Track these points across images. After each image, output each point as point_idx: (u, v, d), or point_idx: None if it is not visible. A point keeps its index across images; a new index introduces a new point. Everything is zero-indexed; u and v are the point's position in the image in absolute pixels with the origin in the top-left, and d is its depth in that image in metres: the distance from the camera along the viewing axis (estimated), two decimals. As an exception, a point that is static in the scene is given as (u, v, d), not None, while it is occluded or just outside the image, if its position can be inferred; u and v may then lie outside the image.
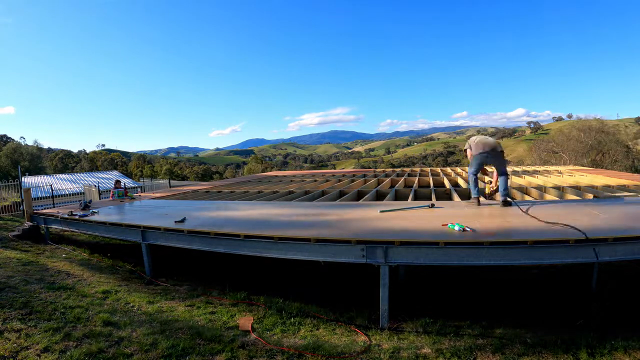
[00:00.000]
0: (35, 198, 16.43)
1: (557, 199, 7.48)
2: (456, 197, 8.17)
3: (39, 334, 3.63)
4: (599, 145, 32.20)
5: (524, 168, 17.48)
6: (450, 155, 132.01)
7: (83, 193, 19.63)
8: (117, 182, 11.40)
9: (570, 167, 20.28)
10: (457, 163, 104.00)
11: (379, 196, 9.32)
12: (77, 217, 7.46)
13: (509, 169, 17.23)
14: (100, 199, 14.57)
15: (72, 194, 21.62)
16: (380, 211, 6.29)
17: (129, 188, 20.45)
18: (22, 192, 10.03)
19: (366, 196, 8.90)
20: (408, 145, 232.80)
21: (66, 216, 7.68)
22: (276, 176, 18.55)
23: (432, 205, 6.54)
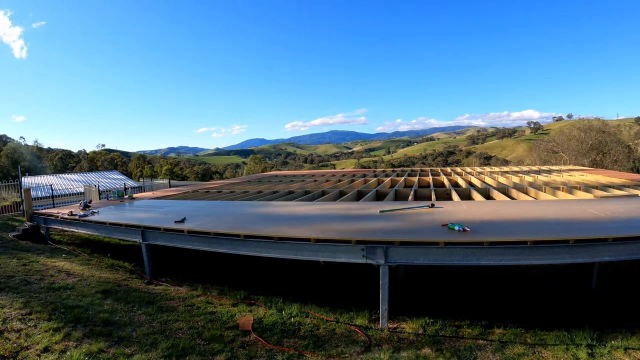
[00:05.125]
0: (35, 198, 16.40)
1: (555, 198, 7.47)
2: (456, 197, 8.17)
3: (39, 334, 3.63)
4: (600, 145, 32.17)
5: (523, 168, 17.49)
6: (450, 155, 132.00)
7: (83, 193, 19.61)
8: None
9: (571, 167, 20.28)
10: (457, 163, 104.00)
11: (379, 196, 9.32)
12: (77, 217, 7.45)
13: (507, 168, 17.26)
14: (100, 199, 14.56)
15: (72, 194, 21.60)
16: (381, 211, 6.29)
17: (129, 188, 20.47)
18: (22, 192, 10.03)
19: (366, 196, 8.90)
20: (408, 145, 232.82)
21: (66, 216, 7.68)
22: (276, 176, 18.56)
23: (432, 205, 6.54)
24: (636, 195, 7.16)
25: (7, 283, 4.96)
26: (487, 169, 17.59)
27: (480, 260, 4.23)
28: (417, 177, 12.75)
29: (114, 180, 28.69)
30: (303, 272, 6.62)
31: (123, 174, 39.68)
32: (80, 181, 26.46)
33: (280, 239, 4.90)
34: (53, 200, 16.61)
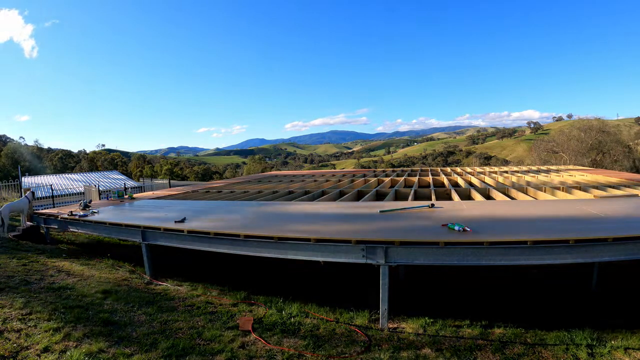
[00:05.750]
0: (35, 198, 16.41)
1: (554, 198, 7.48)
2: (456, 197, 8.17)
3: (39, 334, 3.64)
4: (600, 145, 32.19)
5: (523, 168, 17.49)
6: (450, 155, 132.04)
7: (83, 193, 19.61)
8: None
9: (570, 166, 20.29)
10: (457, 163, 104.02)
11: (379, 196, 9.32)
12: (77, 217, 7.45)
13: (507, 168, 17.26)
14: (100, 199, 14.57)
15: (72, 194, 21.60)
16: (380, 211, 6.29)
17: (129, 188, 20.49)
18: (22, 192, 10.03)
19: (366, 196, 8.91)
20: (408, 145, 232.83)
21: (66, 216, 7.68)
22: (276, 176, 18.56)
23: (432, 205, 6.54)
24: (636, 195, 7.16)
25: (7, 283, 4.96)
26: (487, 168, 17.59)
27: (480, 260, 4.23)
28: (417, 177, 12.76)
29: (114, 180, 28.71)
30: (303, 272, 6.62)
31: (123, 174, 39.70)
32: (80, 181, 26.46)
33: (280, 239, 4.90)
34: (53, 200, 16.63)
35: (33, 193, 8.74)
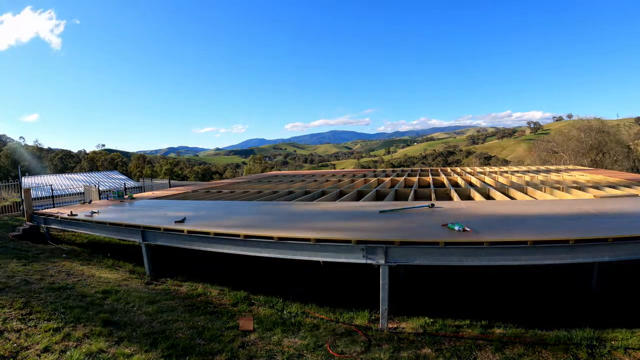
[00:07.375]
0: (35, 198, 16.38)
1: (554, 198, 7.48)
2: (456, 197, 8.17)
3: (39, 334, 3.64)
4: (599, 145, 32.15)
5: (522, 168, 17.49)
6: (450, 155, 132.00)
7: (83, 193, 19.59)
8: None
9: (570, 167, 20.27)
10: (457, 163, 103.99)
11: (379, 196, 9.32)
12: (77, 217, 7.45)
13: (507, 168, 17.26)
14: (100, 199, 14.57)
15: (72, 194, 21.57)
16: (380, 211, 6.29)
17: (129, 188, 20.49)
18: (22, 192, 10.04)
19: (366, 196, 8.91)
20: (408, 145, 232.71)
21: (66, 216, 7.68)
22: (276, 176, 18.57)
23: (432, 205, 6.54)
24: (636, 195, 7.16)
25: (7, 283, 4.97)
26: (487, 168, 17.60)
27: (480, 260, 4.23)
28: (417, 177, 12.76)
29: (115, 180, 28.70)
30: (303, 272, 6.62)
31: (123, 173, 39.67)
32: (82, 181, 26.44)
33: (281, 239, 4.90)
34: (53, 200, 16.60)
35: None
